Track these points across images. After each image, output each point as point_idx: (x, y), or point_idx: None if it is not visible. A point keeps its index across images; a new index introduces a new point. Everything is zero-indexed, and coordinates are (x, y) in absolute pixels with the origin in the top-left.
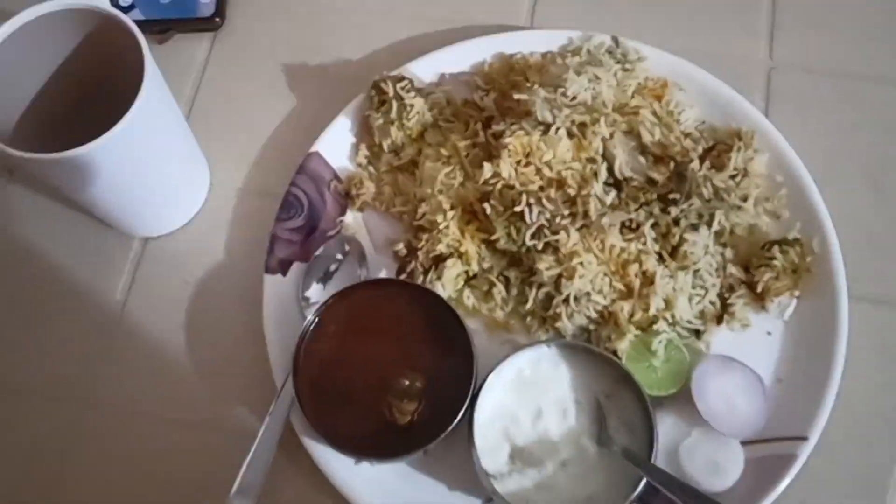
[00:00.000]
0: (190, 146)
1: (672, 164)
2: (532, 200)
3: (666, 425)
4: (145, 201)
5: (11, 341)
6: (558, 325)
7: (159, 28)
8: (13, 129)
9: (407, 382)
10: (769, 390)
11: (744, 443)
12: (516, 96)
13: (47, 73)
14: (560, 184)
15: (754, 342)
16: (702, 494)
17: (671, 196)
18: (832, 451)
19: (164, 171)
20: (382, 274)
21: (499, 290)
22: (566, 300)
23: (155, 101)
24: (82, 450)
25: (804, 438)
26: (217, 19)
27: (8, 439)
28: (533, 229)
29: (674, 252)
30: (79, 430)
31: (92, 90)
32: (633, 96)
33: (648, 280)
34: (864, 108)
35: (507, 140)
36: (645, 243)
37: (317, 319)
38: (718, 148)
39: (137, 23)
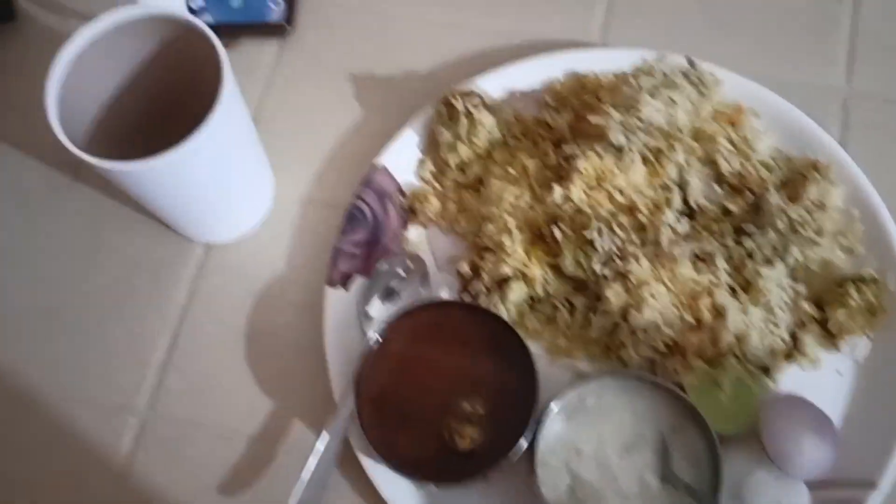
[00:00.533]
0: (258, 155)
1: (748, 195)
2: (603, 227)
3: (730, 462)
4: (212, 209)
5: (68, 346)
6: (623, 354)
7: (228, 32)
8: (86, 133)
9: (468, 406)
10: (838, 431)
11: (810, 485)
12: (591, 119)
13: (122, 78)
14: (632, 210)
15: (824, 381)
16: None
17: (746, 228)
18: None
19: (232, 179)
20: (444, 292)
21: (563, 316)
22: (633, 330)
23: (230, 112)
24: (146, 457)
25: (873, 485)
26: (286, 26)
27: (69, 436)
28: (602, 256)
29: (747, 286)
30: (141, 438)
31: (166, 95)
32: (707, 121)
33: (719, 314)
34: None
35: (579, 163)
36: (717, 275)
37: (380, 338)
38: (794, 179)
39: (209, 26)
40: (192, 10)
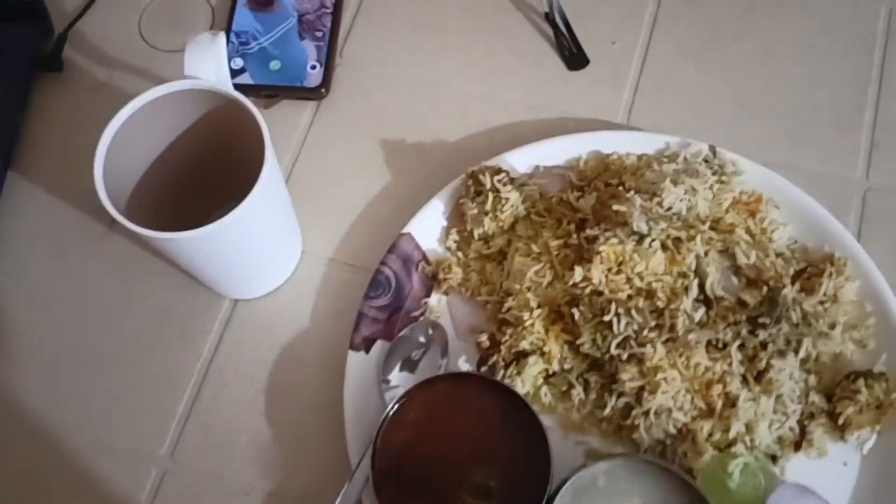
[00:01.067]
0: (290, 217)
1: (765, 289)
2: (621, 310)
3: None
4: (243, 270)
5: (95, 392)
6: (635, 436)
7: (267, 93)
8: (126, 195)
9: (482, 479)
10: None
11: None
12: (615, 207)
13: (164, 144)
14: (650, 294)
15: (830, 472)
16: None
17: (761, 319)
18: None
19: (265, 244)
20: (462, 361)
21: (577, 392)
22: (646, 413)
23: (269, 185)
24: None
25: None
26: (323, 90)
27: (91, 482)
28: (619, 339)
29: (759, 376)
30: (161, 488)
31: (207, 162)
32: (727, 211)
33: (731, 402)
34: None
35: (600, 247)
36: (731, 364)
37: (397, 407)
38: (809, 271)
39: (248, 87)
40: (231, 70)
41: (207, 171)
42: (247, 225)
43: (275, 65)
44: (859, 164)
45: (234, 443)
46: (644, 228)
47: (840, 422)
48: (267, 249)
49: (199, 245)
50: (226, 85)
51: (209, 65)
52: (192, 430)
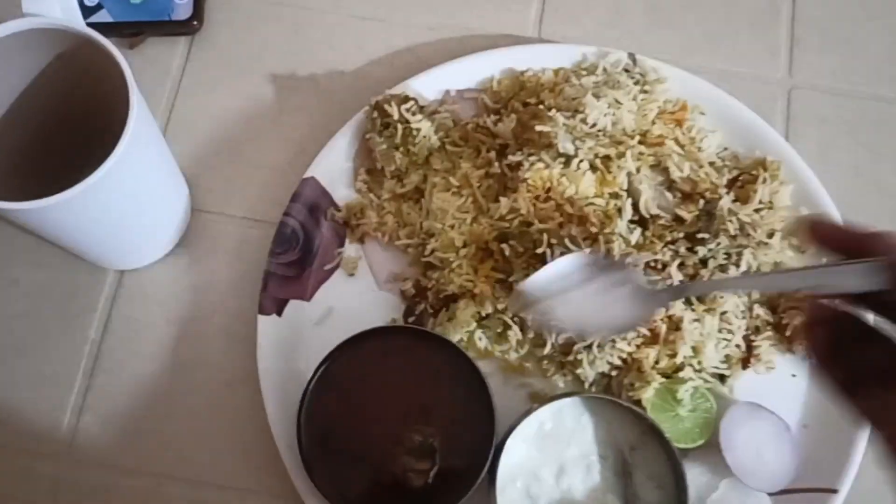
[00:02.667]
0: (170, 171)
1: (701, 202)
2: (554, 241)
3: (693, 477)
4: (122, 237)
5: None
6: (578, 371)
7: (130, 31)
8: None
9: (420, 439)
10: (796, 437)
11: (772, 494)
12: (538, 128)
13: (11, 102)
14: (582, 221)
15: (779, 385)
16: None
17: (699, 235)
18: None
19: (143, 203)
20: (387, 311)
21: (514, 333)
22: (588, 346)
23: (140, 136)
24: None
25: (834, 491)
26: (195, 22)
27: None
28: None
29: (701, 295)
30: (59, 489)
31: (68, 118)
32: (654, 122)
33: (675, 325)
34: (888, 132)
35: (526, 174)
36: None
37: (320, 372)
38: (743, 179)
39: (106, 25)
40: (86, 8)
41: (70, 128)
42: (117, 185)
43: None
44: (781, 63)
45: (139, 431)
46: (570, 149)
47: (787, 333)
48: (147, 211)
49: (63, 214)
50: (75, 22)
51: None
52: (89, 423)
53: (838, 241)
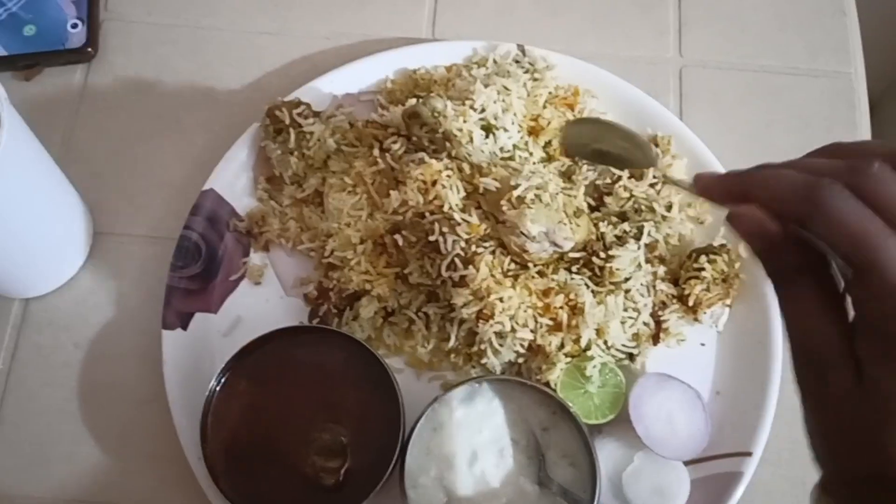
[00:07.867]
0: (65, 196)
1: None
2: (446, 229)
3: (608, 452)
4: (18, 261)
5: None
6: (484, 361)
7: (25, 63)
8: None
9: (329, 437)
10: (709, 405)
11: (688, 463)
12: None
13: None
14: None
15: (689, 355)
16: None
17: (594, 215)
18: (778, 464)
19: (33, 230)
20: (296, 316)
21: (419, 328)
22: (490, 337)
23: (17, 161)
24: None
25: (748, 454)
26: (89, 49)
27: None
28: (448, 260)
29: (601, 273)
30: None
31: None
32: (545, 107)
33: (577, 310)
34: (778, 101)
35: (414, 171)
36: (569, 270)
37: (224, 380)
38: None
39: (0, 59)
40: None
41: None
42: None
43: (29, 30)
44: (670, 43)
45: (50, 458)
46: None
47: (690, 303)
48: (42, 237)
49: None
50: None
51: None
52: (1, 454)
53: (720, 190)
